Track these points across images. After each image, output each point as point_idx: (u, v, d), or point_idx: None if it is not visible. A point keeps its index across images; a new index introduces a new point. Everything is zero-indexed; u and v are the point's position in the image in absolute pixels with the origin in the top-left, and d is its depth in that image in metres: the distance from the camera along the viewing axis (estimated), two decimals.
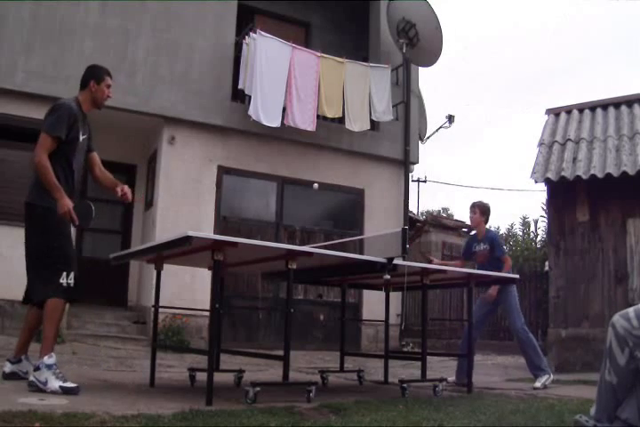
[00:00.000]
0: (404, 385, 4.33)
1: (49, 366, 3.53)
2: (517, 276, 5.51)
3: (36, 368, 3.55)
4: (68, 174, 3.92)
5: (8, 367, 3.87)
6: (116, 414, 2.81)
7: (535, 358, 5.70)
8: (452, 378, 5.66)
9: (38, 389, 3.48)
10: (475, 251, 6.07)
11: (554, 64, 61.37)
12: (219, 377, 3.91)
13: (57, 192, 3.73)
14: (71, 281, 3.74)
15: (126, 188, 4.10)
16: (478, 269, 6.02)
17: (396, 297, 9.52)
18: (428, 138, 13.49)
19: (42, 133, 3.82)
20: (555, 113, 8.48)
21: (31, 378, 3.55)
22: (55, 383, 3.49)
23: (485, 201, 6.14)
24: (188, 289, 8.23)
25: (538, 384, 5.52)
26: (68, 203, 3.73)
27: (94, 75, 4.09)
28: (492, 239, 6.01)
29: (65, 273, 3.72)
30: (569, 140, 7.69)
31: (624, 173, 6.79)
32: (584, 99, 9.39)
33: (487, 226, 6.23)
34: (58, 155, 3.84)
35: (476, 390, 4.90)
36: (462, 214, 50.72)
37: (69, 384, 3.53)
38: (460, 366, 5.69)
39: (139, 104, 8.75)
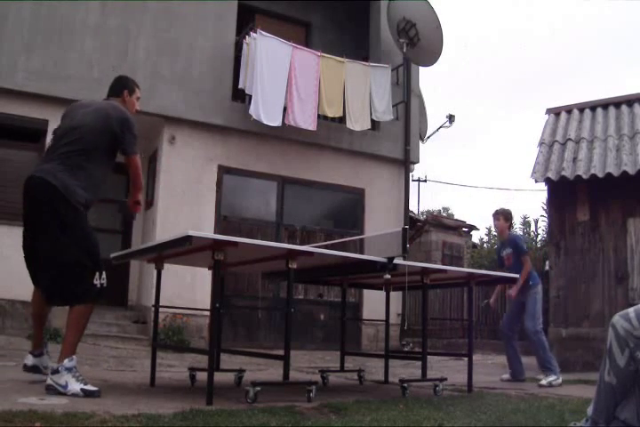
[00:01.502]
0: (405, 385, 4.33)
1: (69, 369, 3.45)
2: (517, 275, 5.50)
3: (55, 371, 3.45)
4: (102, 178, 3.92)
5: (30, 360, 3.79)
6: (116, 414, 2.81)
7: (545, 357, 5.85)
8: (506, 376, 6.10)
9: (57, 392, 3.39)
10: (502, 256, 6.42)
11: (554, 64, 61.34)
12: (219, 377, 3.91)
13: (139, 189, 4.08)
14: (104, 281, 3.67)
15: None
16: (508, 272, 6.19)
17: (396, 297, 9.53)
18: (429, 137, 13.49)
19: (133, 156, 3.91)
20: (555, 113, 8.47)
21: (49, 382, 3.44)
22: (76, 386, 3.41)
23: (506, 207, 6.50)
24: (188, 289, 8.24)
25: (544, 382, 5.63)
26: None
27: (127, 86, 4.14)
28: (513, 241, 6.30)
29: (98, 273, 3.64)
30: (569, 139, 7.69)
31: (624, 173, 6.79)
32: (584, 98, 9.39)
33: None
34: (102, 159, 3.85)
35: (477, 390, 4.90)
36: (462, 214, 50.76)
37: (90, 387, 3.45)
38: (510, 362, 6.13)
39: (139, 104, 8.74)
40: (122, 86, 4.11)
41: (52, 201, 3.65)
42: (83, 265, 3.63)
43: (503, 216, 6.30)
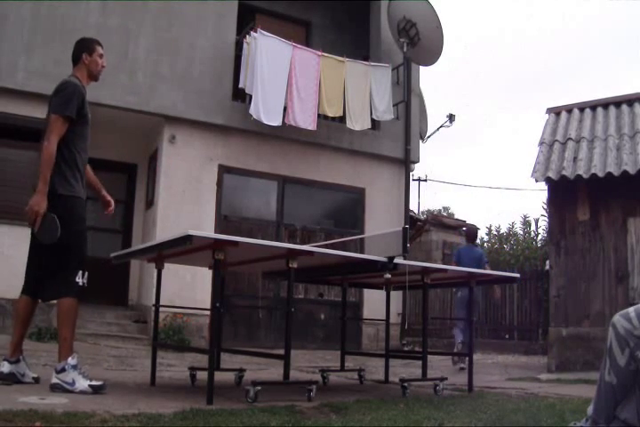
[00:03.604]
0: (405, 384, 4.32)
1: (74, 367, 3.48)
2: (517, 275, 5.51)
3: (61, 370, 3.46)
4: (78, 160, 3.78)
5: (6, 367, 3.66)
6: (116, 414, 2.81)
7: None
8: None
9: (64, 390, 3.41)
10: None
11: (554, 64, 61.27)
12: (219, 376, 3.91)
13: (44, 185, 3.55)
14: (85, 280, 3.67)
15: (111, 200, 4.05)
16: None
17: (396, 296, 9.53)
18: (429, 137, 13.50)
19: (51, 115, 3.67)
20: (555, 112, 8.46)
21: (54, 380, 3.46)
22: (84, 383, 3.45)
23: (469, 225, 8.41)
24: (188, 288, 8.24)
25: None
26: (43, 203, 3.54)
27: (85, 47, 3.98)
28: None
29: (81, 272, 3.65)
30: (570, 139, 7.68)
31: (625, 173, 6.78)
32: (585, 98, 9.38)
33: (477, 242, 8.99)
34: (68, 137, 3.71)
35: (477, 390, 4.90)
36: (463, 213, 50.73)
37: (96, 382, 3.51)
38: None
39: (139, 103, 8.75)
40: (80, 51, 3.97)
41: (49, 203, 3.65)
42: (66, 259, 3.63)
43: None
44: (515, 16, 64.07)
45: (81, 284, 3.65)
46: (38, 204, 3.54)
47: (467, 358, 6.09)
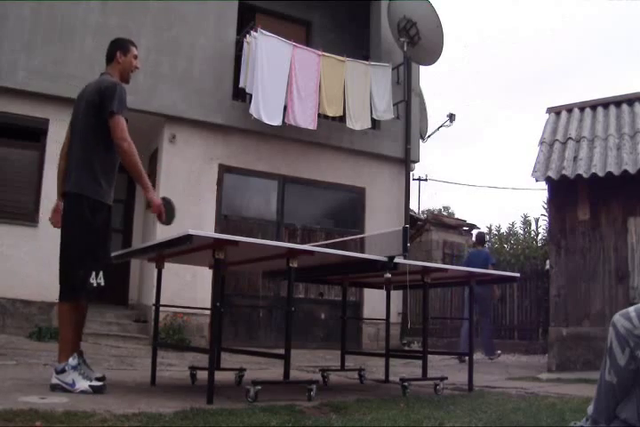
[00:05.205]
0: (405, 384, 4.33)
1: (74, 367, 3.49)
2: (517, 275, 5.51)
3: (61, 371, 3.48)
4: (115, 161, 3.84)
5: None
6: (116, 413, 2.81)
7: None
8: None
9: (64, 391, 3.42)
10: None
11: (554, 64, 61.22)
12: (219, 376, 3.91)
13: (148, 183, 3.71)
14: (100, 280, 3.65)
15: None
16: None
17: (396, 296, 9.53)
18: (429, 136, 13.48)
19: (114, 116, 3.70)
20: (556, 112, 8.45)
21: (54, 381, 3.47)
22: (84, 383, 3.46)
23: (478, 231, 9.48)
24: (188, 288, 8.24)
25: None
26: (157, 198, 3.71)
27: (120, 46, 3.97)
28: None
29: (94, 273, 3.64)
30: (570, 138, 7.67)
31: (625, 172, 6.77)
32: (585, 98, 9.37)
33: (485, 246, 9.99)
34: (108, 137, 3.76)
35: (477, 389, 4.90)
36: (463, 213, 50.74)
37: (96, 383, 3.52)
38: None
39: (140, 103, 8.73)
40: (114, 49, 3.97)
41: (76, 206, 3.71)
42: (65, 261, 3.65)
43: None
44: (515, 16, 64.02)
45: (95, 284, 3.64)
46: (157, 200, 3.78)
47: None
